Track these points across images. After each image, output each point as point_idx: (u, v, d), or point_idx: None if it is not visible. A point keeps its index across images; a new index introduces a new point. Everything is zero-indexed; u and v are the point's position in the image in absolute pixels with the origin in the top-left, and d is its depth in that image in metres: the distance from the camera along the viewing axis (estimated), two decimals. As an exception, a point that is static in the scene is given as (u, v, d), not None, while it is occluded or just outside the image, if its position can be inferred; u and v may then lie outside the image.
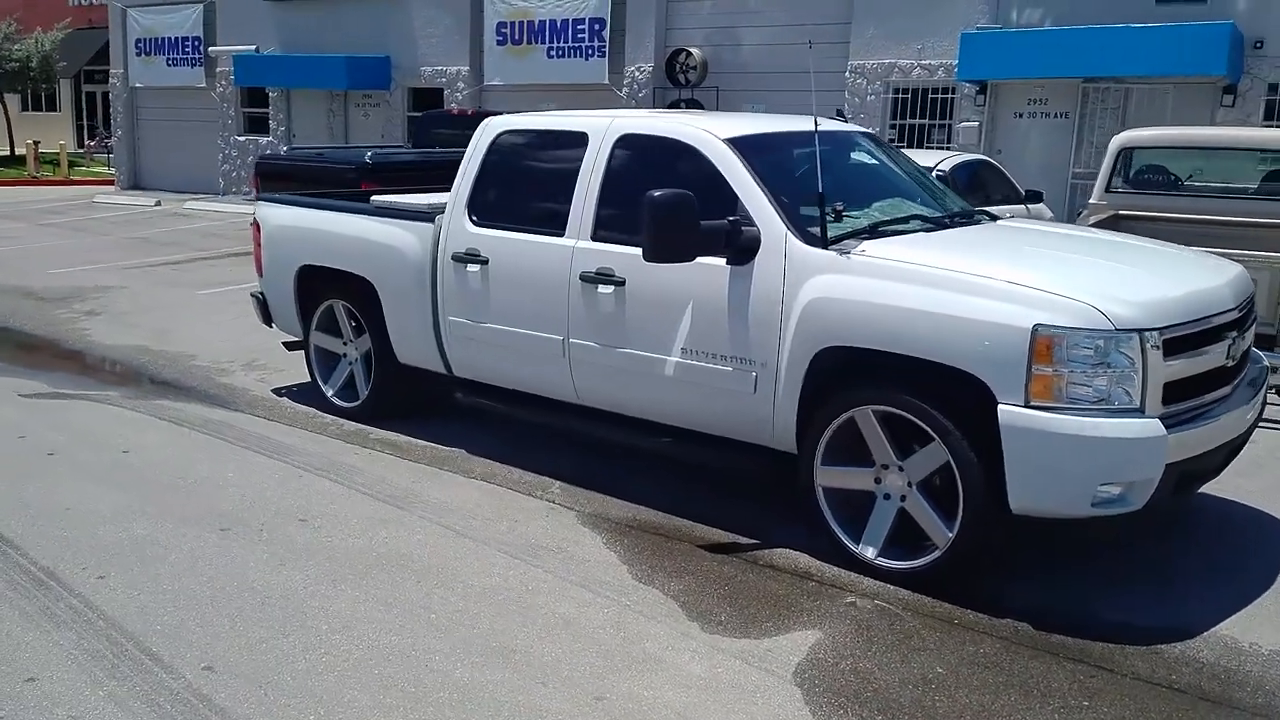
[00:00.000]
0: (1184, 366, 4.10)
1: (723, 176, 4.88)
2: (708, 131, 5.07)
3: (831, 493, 4.59)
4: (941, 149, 12.74)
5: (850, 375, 4.45)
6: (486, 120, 6.00)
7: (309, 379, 7.09)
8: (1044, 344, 3.92)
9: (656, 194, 4.60)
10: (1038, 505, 4.05)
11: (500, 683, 3.54)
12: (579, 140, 5.49)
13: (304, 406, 6.92)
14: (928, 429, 4.20)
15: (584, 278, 5.26)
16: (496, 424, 6.39)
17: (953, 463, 4.15)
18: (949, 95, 14.57)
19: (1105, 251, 5.00)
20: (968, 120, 14.13)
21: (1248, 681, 3.67)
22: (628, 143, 5.32)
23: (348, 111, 21.24)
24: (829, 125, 5.83)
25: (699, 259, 4.70)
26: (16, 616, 3.96)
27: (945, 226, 5.09)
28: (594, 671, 3.63)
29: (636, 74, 17.00)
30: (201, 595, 4.14)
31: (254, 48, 21.82)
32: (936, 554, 4.27)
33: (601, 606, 4.13)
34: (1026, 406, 3.95)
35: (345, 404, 6.72)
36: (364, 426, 6.48)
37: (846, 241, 4.60)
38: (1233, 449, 4.46)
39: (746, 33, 16.19)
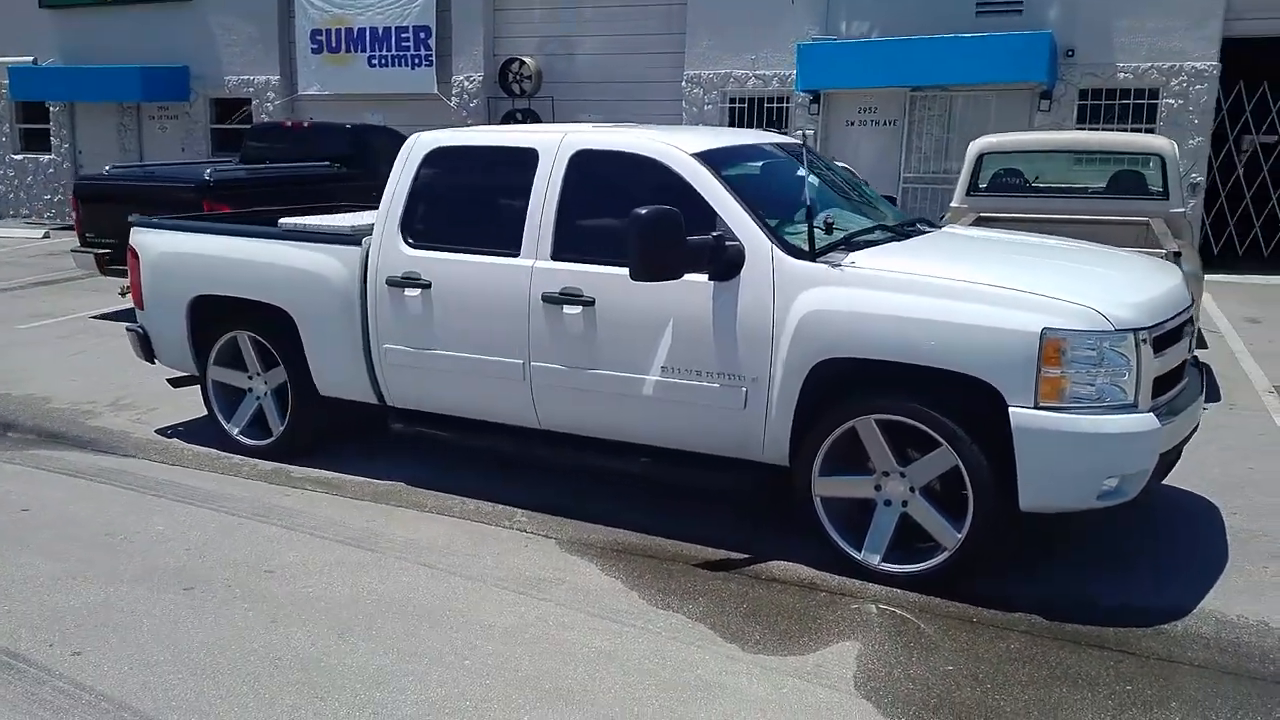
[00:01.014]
0: (1163, 362, 4.36)
1: (696, 192, 4.82)
2: (674, 146, 5.00)
3: (829, 502, 4.61)
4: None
5: (850, 386, 4.48)
6: (416, 136, 5.70)
7: (194, 417, 6.64)
8: (1052, 347, 4.07)
9: (643, 211, 4.49)
10: (1047, 502, 4.21)
11: (570, 730, 3.37)
12: (527, 157, 5.29)
13: (203, 448, 6.37)
14: (935, 435, 4.28)
15: (546, 298, 5.07)
16: (422, 453, 6.08)
17: (962, 466, 4.24)
18: (784, 104, 15.03)
19: (1069, 256, 5.24)
20: (803, 129, 14.61)
21: (1253, 653, 3.93)
22: (585, 159, 5.17)
23: (141, 125, 19.80)
24: (769, 137, 5.87)
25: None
26: (3, 709, 3.44)
27: (907, 236, 5.22)
28: (664, 705, 3.50)
29: (466, 83, 16.67)
30: (203, 662, 3.73)
31: (31, 59, 20.02)
32: (945, 555, 4.36)
33: (634, 637, 3.99)
34: (1036, 408, 4.10)
35: (254, 441, 6.23)
36: (281, 465, 6.03)
37: (833, 254, 4.65)
38: (1188, 437, 4.78)
39: (580, 42, 16.17)
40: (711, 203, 4.79)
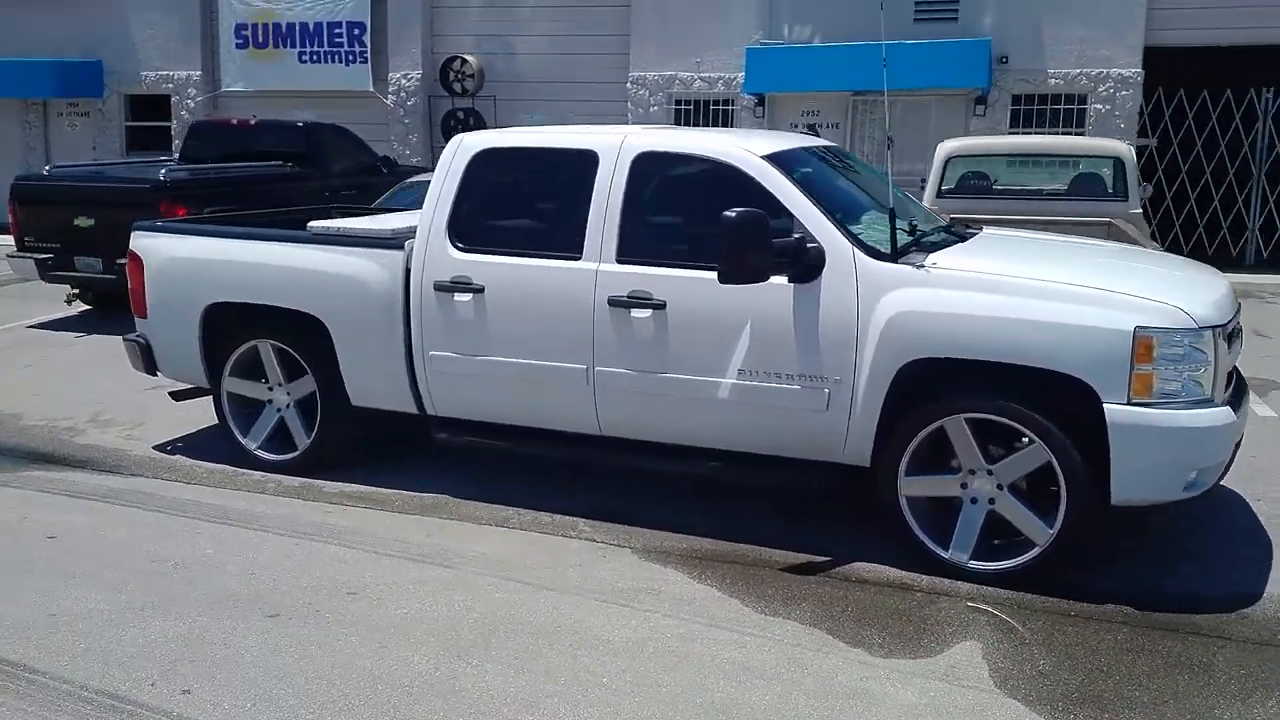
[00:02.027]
0: (1229, 360, 4.54)
1: (772, 195, 4.82)
2: (744, 149, 4.99)
3: (914, 502, 4.67)
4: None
5: (939, 385, 4.54)
6: (461, 138, 5.55)
7: (190, 432, 6.54)
8: (1144, 344, 4.19)
9: (733, 214, 4.48)
10: (1138, 495, 4.33)
11: (736, 742, 3.33)
12: (585, 159, 5.21)
13: (214, 464, 6.08)
14: (1028, 431, 4.37)
15: (613, 301, 5.00)
16: (455, 464, 5.94)
17: (1055, 462, 4.33)
18: (729, 106, 15.14)
19: (1127, 257, 5.40)
20: (813, 125, 14.66)
21: (1335, 633, 4.13)
22: (649, 161, 5.11)
23: (48, 122, 18.79)
24: (806, 140, 5.90)
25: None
26: (136, 758, 3.23)
27: (963, 238, 5.31)
28: (820, 714, 3.48)
29: (404, 81, 16.31)
30: (328, 694, 3.56)
31: (-80, 51, 18.80)
32: (1037, 551, 4.44)
33: (758, 646, 3.96)
34: (1128, 404, 4.22)
35: (275, 456, 5.96)
36: (310, 481, 5.79)
37: (911, 255, 4.71)
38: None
39: (521, 41, 15.99)
40: (788, 205, 4.79)
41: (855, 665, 3.83)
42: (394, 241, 5.56)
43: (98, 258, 9.76)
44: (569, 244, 5.15)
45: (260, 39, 16.62)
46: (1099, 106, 13.94)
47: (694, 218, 5.15)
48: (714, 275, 4.75)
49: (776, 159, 4.99)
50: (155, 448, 6.48)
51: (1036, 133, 13.82)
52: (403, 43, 16.23)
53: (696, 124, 15.12)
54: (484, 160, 5.46)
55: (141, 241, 6.21)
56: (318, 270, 5.65)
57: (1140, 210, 9.45)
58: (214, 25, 17.09)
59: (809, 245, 4.68)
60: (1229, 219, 14.03)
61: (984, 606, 4.34)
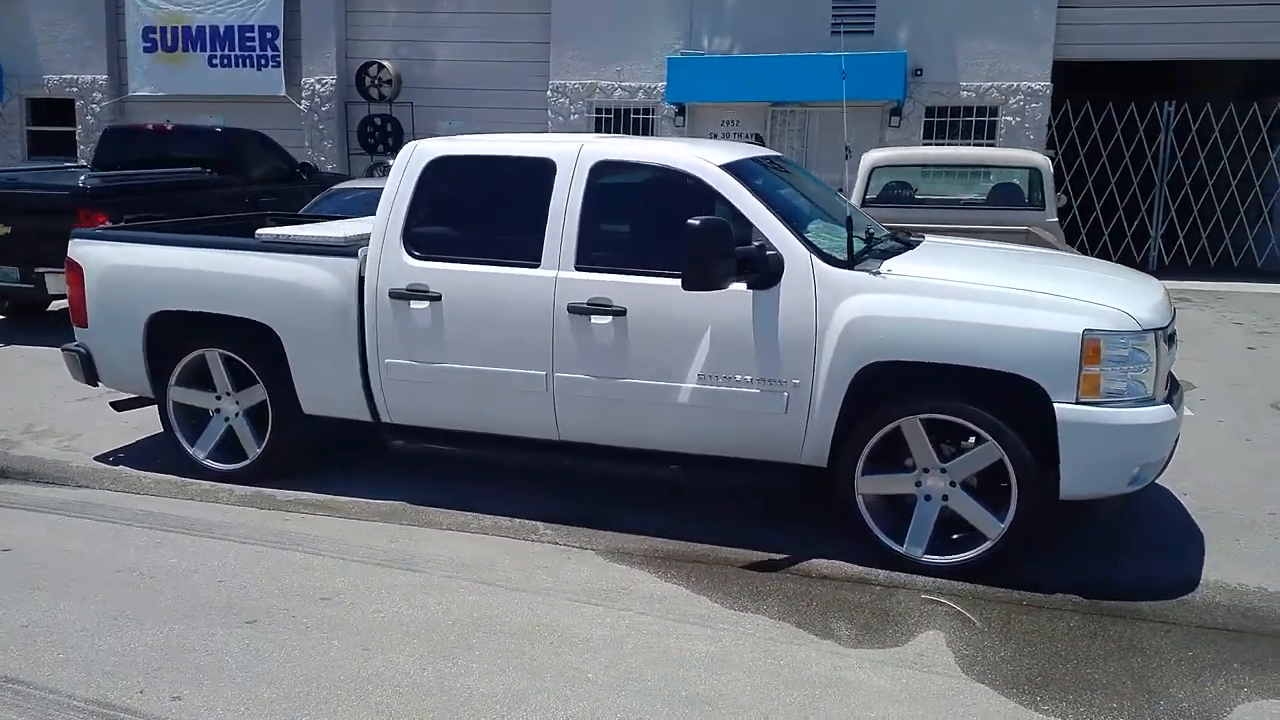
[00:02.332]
0: (1168, 361, 4.81)
1: (730, 203, 4.94)
2: (703, 159, 5.11)
3: (869, 500, 4.83)
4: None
5: (897, 387, 4.71)
6: (414, 145, 5.56)
7: (130, 442, 6.48)
8: (1092, 346, 4.43)
9: (697, 222, 4.59)
10: (1086, 490, 4.57)
11: (725, 734, 3.43)
12: (542, 167, 5.27)
13: (161, 474, 5.97)
14: (980, 431, 4.57)
15: (573, 309, 5.07)
16: (406, 471, 5.94)
17: (1006, 459, 4.54)
18: (650, 116, 15.30)
19: (1069, 264, 5.68)
20: (754, 134, 14.86)
21: (1269, 616, 4.41)
22: (607, 170, 5.20)
23: (-64, 127, 18.03)
24: (755, 150, 6.04)
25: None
26: (131, 768, 3.19)
27: (910, 246, 5.51)
28: (802, 702, 3.60)
29: (318, 86, 16.08)
30: (318, 696, 3.55)
31: None
32: (989, 544, 4.65)
33: (733, 640, 4.07)
34: (1077, 403, 4.45)
35: (224, 466, 5.88)
36: (261, 489, 5.73)
37: (866, 261, 4.88)
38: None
39: (438, 48, 15.90)
40: (747, 214, 4.92)
41: (827, 655, 3.96)
42: (348, 249, 5.54)
43: (14, 266, 9.43)
44: (527, 252, 5.20)
45: (169, 42, 16.23)
46: (1009, 119, 14.47)
47: (653, 226, 5.25)
48: (674, 282, 4.88)
49: (733, 168, 5.12)
50: (97, 459, 6.33)
51: (956, 144, 14.28)
52: (317, 47, 16.01)
53: (617, 132, 15.22)
54: (438, 168, 5.48)
55: (80, 249, 6.06)
56: (268, 278, 5.59)
57: (1056, 219, 9.86)
58: (120, 28, 16.62)
59: (768, 253, 4.82)
60: (1133, 227, 14.69)
61: (939, 599, 4.52)
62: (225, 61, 16.07)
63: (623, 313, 5.02)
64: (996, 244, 6.27)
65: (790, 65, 14.13)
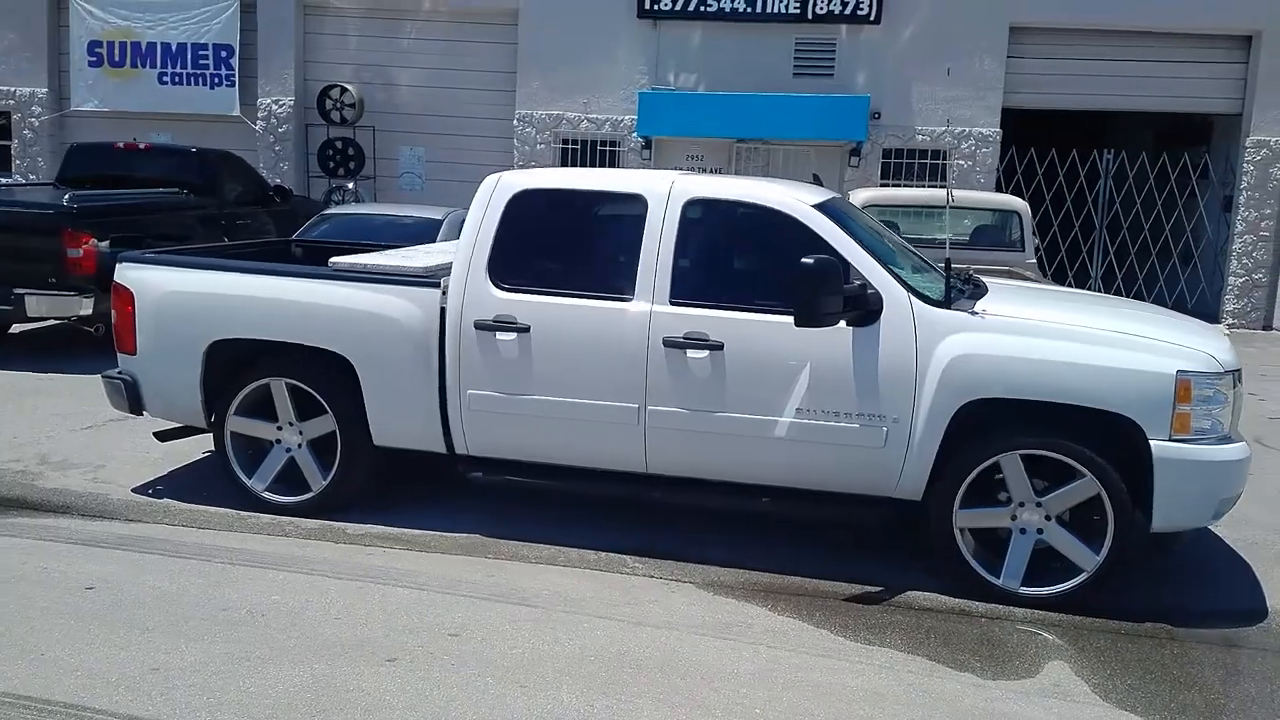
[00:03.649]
0: (1240, 401, 5.11)
1: (826, 243, 5.06)
2: (797, 199, 5.23)
3: (967, 534, 4.99)
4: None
5: (994, 424, 4.88)
6: (498, 177, 5.54)
7: (163, 473, 6.36)
8: (1184, 386, 4.68)
9: (810, 261, 4.72)
10: (1176, 522, 4.81)
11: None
12: (632, 202, 5.33)
13: (213, 507, 5.78)
14: (1079, 466, 4.77)
15: (669, 343, 5.13)
16: (462, 502, 5.91)
17: (1104, 493, 4.75)
18: (616, 148, 15.41)
19: (1138, 308, 6.04)
20: (814, 174, 14.97)
21: (1344, 641, 4.70)
22: (699, 207, 5.28)
23: None
24: (827, 192, 6.18)
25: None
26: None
27: (985, 287, 5.69)
28: (971, 734, 3.72)
29: (275, 107, 15.75)
30: (501, 740, 3.52)
31: None
32: (1084, 576, 4.84)
33: (876, 674, 4.15)
34: (1170, 440, 4.69)
35: (286, 499, 5.72)
36: (327, 523, 5.60)
37: (961, 302, 5.07)
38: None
39: (400, 73, 15.74)
40: (843, 253, 5.05)
41: (971, 688, 4.08)
42: (431, 280, 5.49)
43: (-8, 287, 9.01)
44: (619, 286, 5.25)
45: (116, 57, 15.69)
46: (961, 162, 15.03)
47: (747, 263, 5.36)
48: (771, 318, 5.03)
49: (824, 208, 5.26)
50: (135, 490, 6.10)
51: (913, 184, 14.75)
52: (274, 68, 15.69)
53: (583, 164, 15.31)
54: (524, 200, 5.48)
55: (131, 274, 5.86)
56: (346, 308, 5.50)
57: (1035, 260, 10.29)
58: (63, 40, 16.01)
59: (868, 291, 4.97)
60: (1074, 268, 15.36)
61: (1038, 630, 4.68)
62: (177, 79, 15.60)
63: (720, 347, 5.09)
64: (1055, 287, 6.54)
65: (756, 103, 14.44)
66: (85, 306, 9.04)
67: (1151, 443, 4.68)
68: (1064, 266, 15.44)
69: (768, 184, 5.52)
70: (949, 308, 4.98)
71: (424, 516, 5.75)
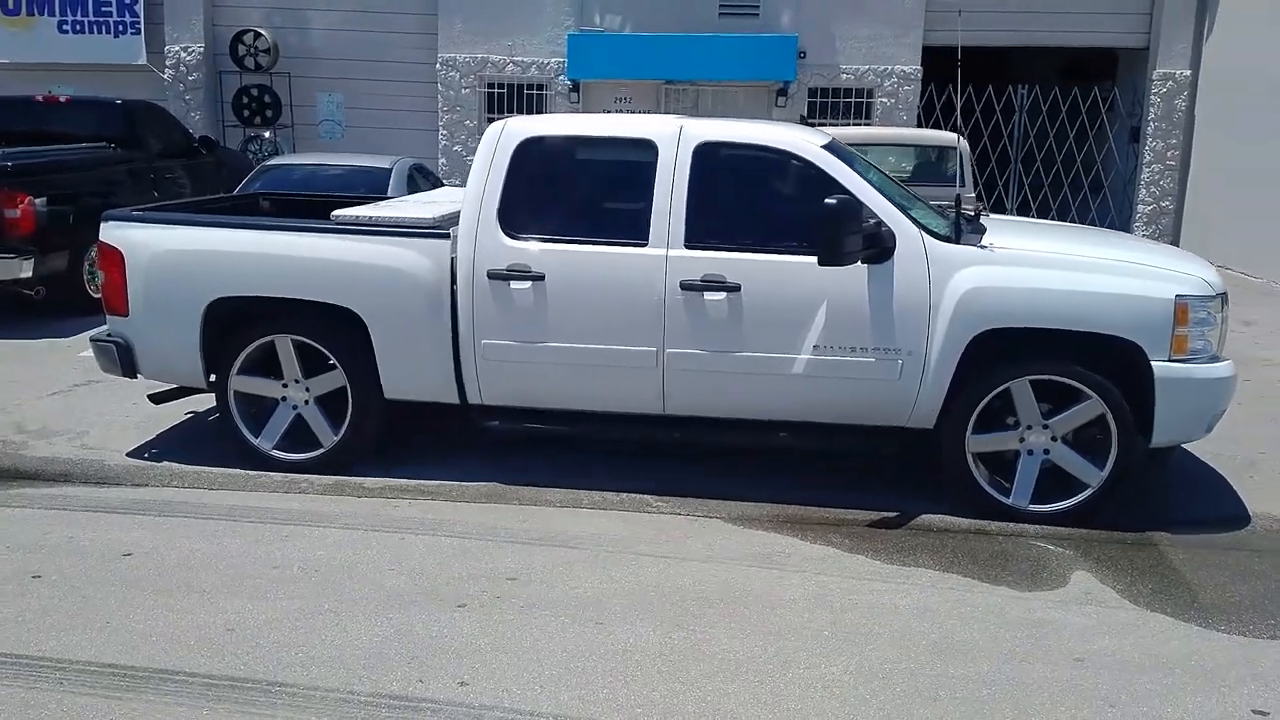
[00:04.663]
0: (1226, 324, 5.44)
1: (839, 183, 5.18)
2: (807, 140, 5.34)
3: (979, 458, 5.24)
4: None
5: (1007, 352, 5.11)
6: (503, 125, 5.50)
7: (151, 436, 6.26)
8: (1182, 309, 4.97)
9: (833, 201, 4.85)
10: (1173, 438, 5.14)
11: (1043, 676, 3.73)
12: (642, 148, 5.36)
13: (216, 468, 5.69)
14: (1084, 388, 5.04)
15: (686, 286, 5.21)
16: (470, 451, 5.97)
17: (1109, 413, 5.04)
18: (543, 92, 15.23)
19: (1133, 240, 6.27)
20: (803, 116, 14.85)
21: (1319, 541, 5.12)
22: (710, 150, 5.33)
23: None
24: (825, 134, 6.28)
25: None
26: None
27: (983, 224, 5.90)
28: (1029, 643, 3.94)
29: (184, 54, 15.10)
30: (598, 669, 3.60)
31: None
32: (1089, 492, 5.13)
33: (921, 592, 4.36)
34: (1169, 361, 4.99)
35: (295, 456, 5.67)
36: (342, 479, 5.58)
37: (968, 236, 5.26)
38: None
39: (314, 16, 15.22)
40: (856, 193, 5.17)
41: (1012, 600, 4.33)
42: (440, 231, 5.45)
43: (-81, 251, 8.56)
44: (632, 231, 5.29)
45: (11, 5, 14.79)
46: (884, 100, 15.31)
47: (761, 204, 5.46)
48: (786, 258, 5.17)
49: (832, 149, 5.38)
50: (130, 455, 5.95)
51: (839, 123, 14.99)
52: (181, 12, 15.02)
53: (510, 109, 15.12)
54: (531, 147, 5.46)
55: (118, 233, 5.66)
56: (353, 261, 5.43)
57: (975, 194, 10.64)
58: (-50, -14, 15.05)
59: (883, 229, 5.12)
60: (992, 201, 15.87)
61: (1049, 545, 4.96)
62: (78, 27, 14.81)
63: (736, 288, 5.20)
64: (1039, 220, 6.80)
65: (687, 44, 14.45)
66: (25, 269, 8.67)
67: (1153, 364, 4.97)
68: (982, 199, 15.93)
69: (773, 126, 5.61)
70: (958, 243, 5.18)
71: (435, 468, 5.76)
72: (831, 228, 4.86)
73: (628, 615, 4.06)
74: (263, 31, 14.87)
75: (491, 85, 15.22)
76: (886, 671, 3.69)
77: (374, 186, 9.50)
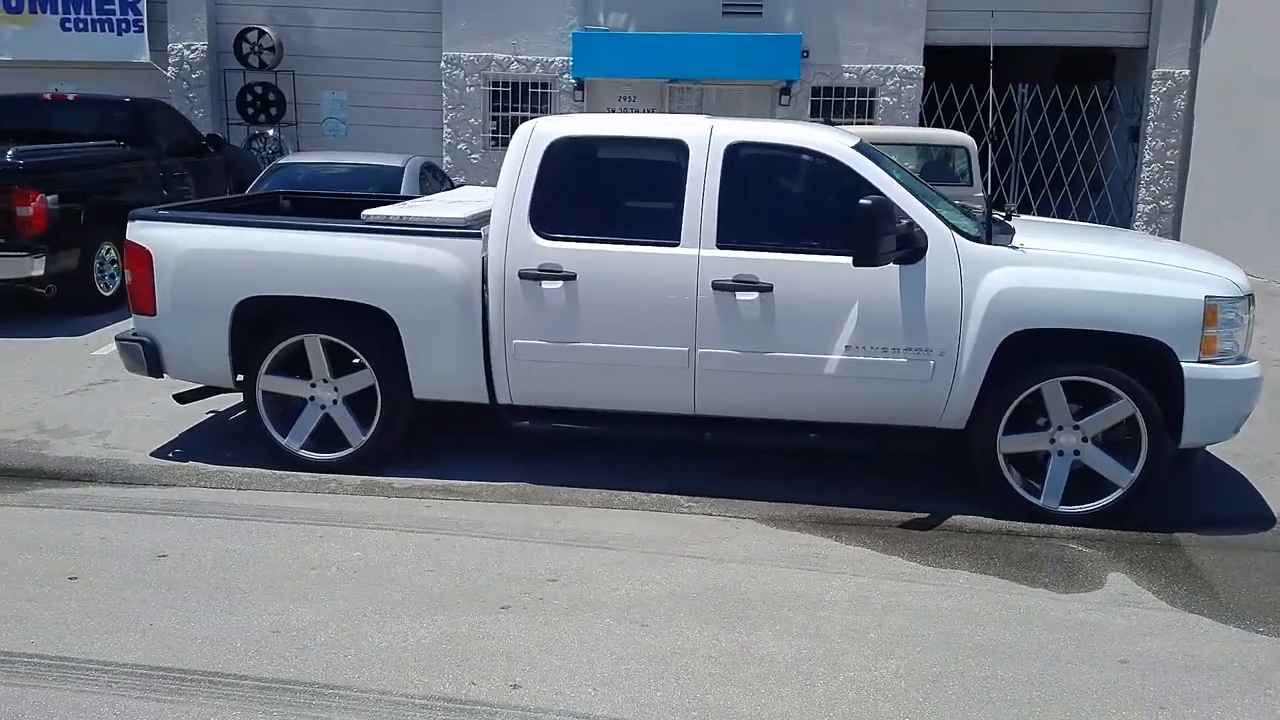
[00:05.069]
0: (1253, 325, 5.47)
1: (870, 184, 5.19)
2: (839, 141, 5.35)
3: (1009, 458, 5.26)
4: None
5: (1039, 353, 5.13)
6: (533, 125, 5.50)
7: (174, 436, 6.24)
8: (1211, 311, 5.00)
9: (869, 202, 4.86)
10: (1202, 439, 5.17)
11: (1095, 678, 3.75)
12: (673, 148, 5.37)
13: (243, 468, 5.68)
14: (1115, 389, 5.06)
15: (718, 286, 5.22)
16: (499, 452, 5.98)
17: (1139, 414, 5.06)
18: (548, 90, 15.21)
19: (1155, 240, 6.30)
20: (829, 118, 14.84)
21: (1345, 541, 5.15)
22: (741, 150, 5.34)
23: None
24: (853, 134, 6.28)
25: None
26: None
27: (1012, 225, 5.92)
28: (1073, 645, 3.95)
29: (187, 52, 15.02)
30: (649, 671, 3.60)
31: None
32: (1119, 493, 5.16)
33: (960, 594, 4.37)
34: (1199, 362, 5.02)
35: (323, 456, 5.67)
36: (370, 478, 5.57)
37: (999, 237, 5.28)
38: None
39: (318, 14, 15.16)
40: (888, 193, 5.18)
41: (1052, 602, 4.35)
42: (471, 230, 5.44)
43: (-73, 249, 8.51)
44: (664, 231, 5.30)
45: (14, 2, 14.69)
46: (887, 99, 15.34)
47: (793, 205, 5.47)
48: (819, 258, 5.19)
49: (861, 149, 5.39)
50: (154, 455, 5.93)
51: (842, 122, 15.00)
52: (184, 11, 14.95)
53: (514, 107, 15.11)
54: (561, 148, 5.45)
55: (146, 232, 5.65)
56: (384, 261, 5.42)
57: (982, 193, 10.65)
58: (-49, -17, 14.95)
59: (915, 229, 5.14)
60: (994, 199, 15.89)
61: (1081, 546, 4.98)
62: (81, 25, 14.72)
63: (769, 289, 5.21)
64: (1062, 221, 6.82)
65: (691, 43, 14.45)
66: (37, 267, 8.62)
67: (1183, 365, 4.99)
68: (1003, 200, 15.99)
69: (803, 126, 5.61)
70: (989, 243, 5.20)
71: (462, 468, 5.76)
72: (867, 228, 4.88)
73: (672, 617, 4.07)
74: (267, 29, 14.80)
75: (496, 84, 15.18)
76: (937, 674, 3.70)
77: (386, 185, 9.46)
